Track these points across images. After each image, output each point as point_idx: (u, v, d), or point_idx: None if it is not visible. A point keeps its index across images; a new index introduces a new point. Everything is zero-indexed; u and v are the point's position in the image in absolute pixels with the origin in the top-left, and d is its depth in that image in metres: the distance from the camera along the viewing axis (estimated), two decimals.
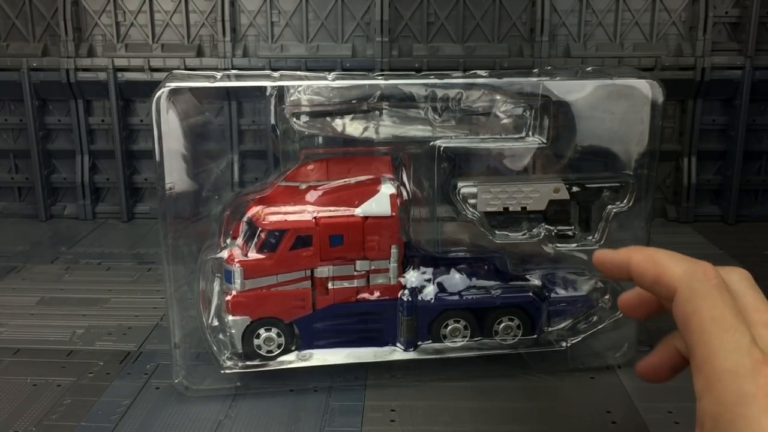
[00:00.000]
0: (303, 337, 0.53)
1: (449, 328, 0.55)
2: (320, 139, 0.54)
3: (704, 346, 0.29)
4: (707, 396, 0.29)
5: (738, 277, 0.32)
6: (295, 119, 0.52)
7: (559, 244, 0.54)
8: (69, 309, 0.68)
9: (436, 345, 0.55)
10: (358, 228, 0.51)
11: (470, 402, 0.52)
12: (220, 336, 0.53)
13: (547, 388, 0.54)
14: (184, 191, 0.51)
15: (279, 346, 0.53)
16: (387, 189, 0.52)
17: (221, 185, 0.54)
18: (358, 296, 0.53)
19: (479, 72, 0.52)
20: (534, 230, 0.54)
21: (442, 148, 0.52)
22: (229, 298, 0.51)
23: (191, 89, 0.50)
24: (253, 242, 0.51)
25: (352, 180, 0.53)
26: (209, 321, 0.53)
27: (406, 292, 0.53)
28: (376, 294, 0.53)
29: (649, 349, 0.58)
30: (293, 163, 0.54)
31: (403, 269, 0.54)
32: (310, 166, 0.54)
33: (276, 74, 0.51)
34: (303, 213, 0.51)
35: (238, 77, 0.54)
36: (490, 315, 0.55)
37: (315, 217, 0.51)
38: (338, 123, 0.52)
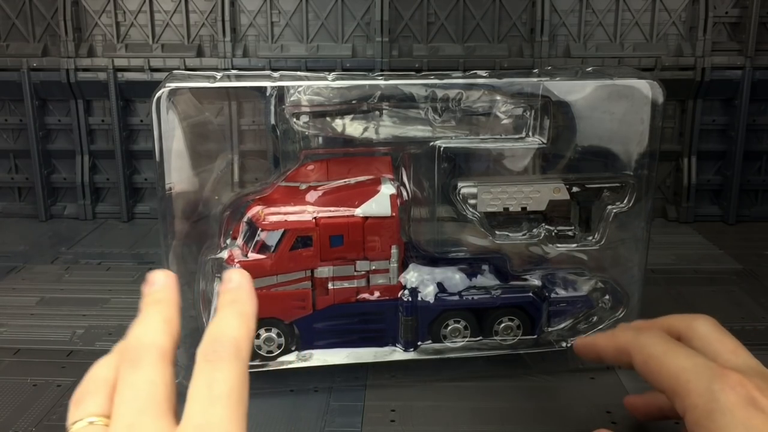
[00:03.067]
0: (303, 337, 0.53)
1: (449, 328, 0.55)
2: (320, 140, 0.54)
3: (671, 378, 0.36)
4: (687, 409, 0.34)
5: (705, 325, 0.39)
6: (295, 119, 0.52)
7: (559, 245, 0.54)
8: (69, 309, 0.68)
9: (436, 345, 0.55)
10: (358, 228, 0.51)
11: (470, 402, 0.52)
12: None
13: (547, 388, 0.54)
14: (184, 191, 0.51)
15: (279, 347, 0.53)
16: (387, 189, 0.52)
17: (221, 185, 0.54)
18: (358, 296, 0.53)
19: (479, 72, 0.52)
20: (534, 230, 0.54)
21: (442, 149, 0.52)
22: None
23: (191, 89, 0.50)
24: (253, 242, 0.51)
25: (352, 180, 0.53)
26: (209, 321, 0.53)
27: (406, 292, 0.53)
28: (377, 294, 0.53)
29: None
30: (293, 164, 0.54)
31: (403, 269, 0.54)
32: (310, 167, 0.54)
33: (276, 74, 0.51)
34: (303, 213, 0.51)
35: (238, 77, 0.54)
36: (490, 315, 0.55)
37: (315, 218, 0.51)
38: (338, 123, 0.52)
